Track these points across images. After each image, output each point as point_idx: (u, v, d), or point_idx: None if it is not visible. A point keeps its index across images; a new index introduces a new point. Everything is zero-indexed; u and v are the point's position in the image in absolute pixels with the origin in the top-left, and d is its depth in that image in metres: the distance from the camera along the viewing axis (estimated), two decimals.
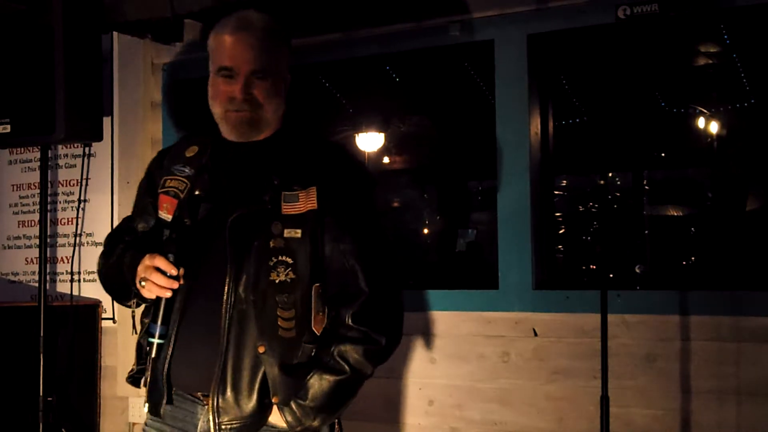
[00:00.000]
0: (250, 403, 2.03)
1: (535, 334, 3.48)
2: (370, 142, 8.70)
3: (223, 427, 2.02)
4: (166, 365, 2.08)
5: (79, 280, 4.29)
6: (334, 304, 2.10)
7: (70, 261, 4.25)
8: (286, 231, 2.06)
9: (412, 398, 3.71)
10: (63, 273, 4.34)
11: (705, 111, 8.30)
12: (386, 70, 6.06)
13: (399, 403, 3.73)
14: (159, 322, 2.06)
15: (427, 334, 3.69)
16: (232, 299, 2.04)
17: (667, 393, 3.25)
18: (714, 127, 8.52)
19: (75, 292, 4.25)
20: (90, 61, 3.62)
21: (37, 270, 3.89)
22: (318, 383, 2.04)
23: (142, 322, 2.22)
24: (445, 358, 3.65)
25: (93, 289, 4.24)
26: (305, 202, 2.08)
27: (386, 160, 9.60)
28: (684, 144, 8.65)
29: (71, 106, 3.48)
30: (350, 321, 2.07)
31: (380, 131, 8.70)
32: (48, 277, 3.97)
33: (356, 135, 8.60)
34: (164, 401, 2.10)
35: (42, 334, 3.66)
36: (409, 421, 3.70)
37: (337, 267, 2.10)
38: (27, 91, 3.53)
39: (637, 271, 3.72)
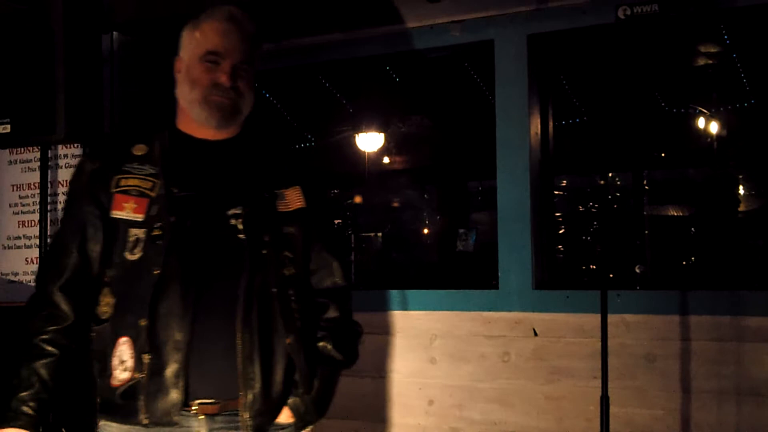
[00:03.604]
0: (275, 396, 2.05)
1: (535, 334, 3.48)
2: (370, 142, 8.69)
3: (250, 422, 2.01)
4: (182, 370, 1.98)
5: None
6: (314, 296, 2.19)
7: None
8: (284, 228, 2.11)
9: (412, 398, 3.71)
10: None
11: (705, 111, 8.30)
12: (386, 70, 6.06)
13: (399, 403, 3.73)
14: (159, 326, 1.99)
15: (427, 334, 3.69)
16: (252, 294, 2.02)
17: (667, 393, 3.25)
18: (714, 128, 8.51)
19: None
20: (90, 60, 3.61)
21: (36, 270, 3.88)
22: (321, 376, 2.13)
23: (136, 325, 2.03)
24: (445, 358, 3.65)
25: None
26: (292, 200, 2.14)
27: (386, 160, 9.59)
28: (684, 144, 8.65)
29: (71, 107, 3.48)
30: (338, 313, 2.20)
31: (380, 131, 8.69)
32: None
33: (356, 135, 8.60)
34: (179, 408, 1.99)
35: None
36: (409, 421, 3.70)
37: (317, 263, 2.21)
38: (27, 91, 3.52)
39: (637, 271, 3.73)
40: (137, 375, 1.99)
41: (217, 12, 2.15)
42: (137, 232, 2.04)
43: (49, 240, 4.00)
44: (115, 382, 2.02)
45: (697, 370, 3.22)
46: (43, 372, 2.08)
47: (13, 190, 4.57)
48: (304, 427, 2.14)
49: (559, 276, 3.84)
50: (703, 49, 6.34)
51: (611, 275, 3.26)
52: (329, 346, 2.16)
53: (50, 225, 4.23)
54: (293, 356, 2.06)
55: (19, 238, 4.52)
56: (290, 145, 2.01)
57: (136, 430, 2.02)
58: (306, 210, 2.15)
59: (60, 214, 4.39)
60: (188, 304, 1.99)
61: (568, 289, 3.53)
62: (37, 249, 3.82)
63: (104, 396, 2.06)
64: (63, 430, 3.76)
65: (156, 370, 1.98)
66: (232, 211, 2.06)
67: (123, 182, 2.08)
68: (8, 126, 3.55)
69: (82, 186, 2.14)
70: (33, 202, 4.41)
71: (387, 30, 3.81)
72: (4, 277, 4.52)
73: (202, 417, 2.01)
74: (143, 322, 1.99)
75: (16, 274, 4.51)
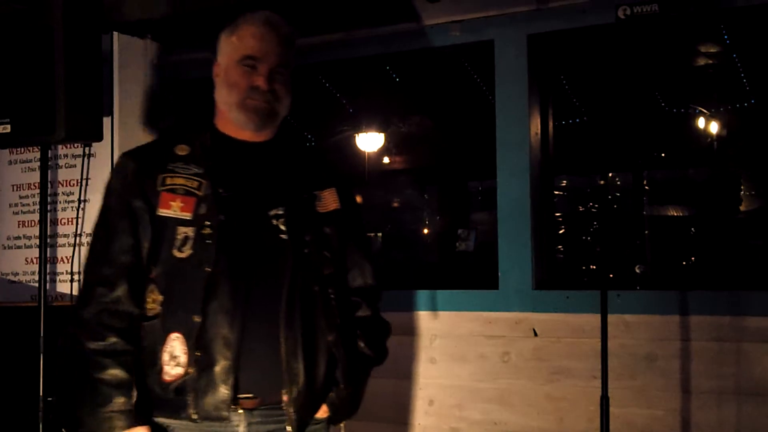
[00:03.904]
0: (318, 391, 2.12)
1: (536, 334, 3.48)
2: (370, 142, 8.70)
3: (294, 417, 2.07)
4: (233, 367, 2.02)
5: (79, 280, 4.29)
6: (350, 295, 2.27)
7: (70, 261, 4.24)
8: (322, 228, 2.19)
9: (412, 398, 3.71)
10: (63, 273, 4.34)
11: (705, 111, 8.30)
12: (386, 70, 6.06)
13: (399, 403, 3.72)
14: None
15: (427, 334, 3.69)
16: (295, 293, 2.09)
17: (667, 393, 3.25)
18: (714, 128, 8.52)
19: (75, 292, 4.24)
20: (90, 61, 3.61)
21: (37, 270, 3.88)
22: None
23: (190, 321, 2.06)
24: (445, 358, 3.65)
25: None
26: (329, 201, 2.22)
27: (386, 160, 9.61)
28: (684, 144, 8.65)
29: (71, 106, 3.48)
30: (370, 312, 2.30)
31: (380, 131, 8.70)
32: (48, 277, 3.96)
33: (356, 135, 8.60)
34: (230, 404, 2.03)
35: (42, 335, 3.66)
36: (409, 421, 3.70)
37: (350, 262, 2.28)
38: (27, 91, 3.52)
39: (637, 271, 3.72)
40: (190, 370, 2.03)
41: (254, 17, 2.20)
42: (186, 230, 2.08)
43: (48, 240, 4.00)
44: (166, 378, 2.05)
45: (697, 370, 3.21)
46: (129, 367, 2.06)
47: (13, 190, 4.56)
48: (338, 422, 2.22)
49: (559, 276, 3.83)
50: (703, 49, 6.34)
51: (611, 275, 3.25)
52: (362, 344, 2.26)
53: (50, 225, 4.23)
54: (335, 352, 2.14)
55: (19, 238, 4.52)
56: (319, 147, 2.08)
57: (184, 425, 2.06)
58: (341, 211, 2.24)
59: (61, 214, 4.40)
60: (237, 302, 2.04)
61: (568, 289, 3.52)
62: (37, 249, 3.81)
63: (153, 391, 2.08)
64: (63, 430, 3.75)
65: (205, 366, 2.02)
66: (273, 212, 2.12)
67: (169, 181, 2.12)
68: (8, 126, 3.55)
69: (127, 183, 2.15)
70: (33, 203, 4.41)
71: (387, 30, 3.81)
72: (4, 277, 4.52)
73: (242, 411, 2.06)
74: (197, 319, 2.03)
75: (16, 274, 4.51)
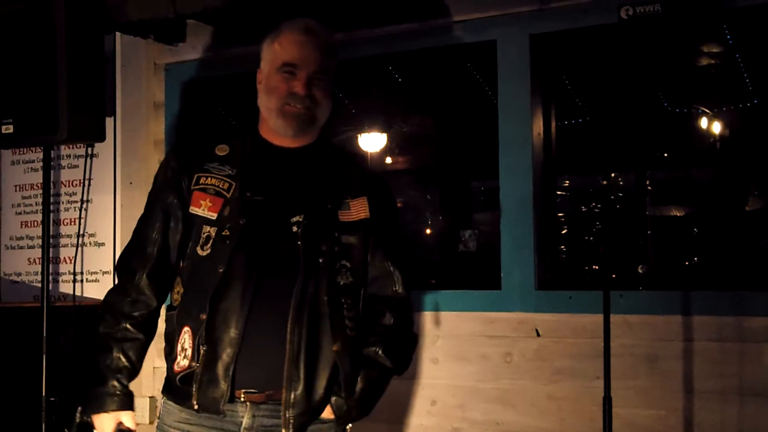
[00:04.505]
0: (317, 397, 2.15)
1: (538, 335, 3.48)
2: (372, 142, 8.68)
3: (292, 420, 2.12)
4: (232, 364, 2.11)
5: (81, 281, 4.29)
6: (372, 304, 2.28)
7: (72, 261, 4.25)
8: (344, 237, 2.21)
9: (414, 398, 3.71)
10: (66, 273, 4.34)
11: (708, 111, 8.29)
12: (389, 70, 6.05)
13: (401, 403, 3.72)
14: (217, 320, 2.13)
15: (429, 335, 3.69)
16: (304, 300, 2.13)
17: (669, 393, 3.25)
18: (717, 128, 8.50)
19: (77, 293, 4.24)
20: (93, 61, 3.62)
21: (39, 270, 3.89)
22: (363, 378, 2.22)
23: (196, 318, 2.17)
24: (447, 359, 3.65)
25: (95, 290, 4.24)
26: (357, 210, 2.25)
27: (389, 160, 9.59)
28: (687, 144, 8.64)
29: (74, 107, 3.49)
30: (393, 321, 2.29)
31: (382, 131, 8.69)
32: (51, 278, 3.97)
33: (359, 135, 8.59)
34: (226, 398, 2.13)
35: (45, 335, 3.66)
36: (411, 421, 3.70)
37: (376, 272, 2.29)
38: (30, 91, 3.53)
39: (640, 271, 3.71)
40: (194, 364, 2.14)
41: (295, 24, 2.28)
42: (209, 230, 2.18)
43: (51, 240, 4.01)
44: (176, 368, 2.18)
45: (699, 371, 3.21)
46: (131, 353, 2.22)
47: (16, 191, 4.58)
48: (345, 424, 2.24)
49: (561, 276, 3.83)
50: (705, 49, 6.33)
51: (614, 276, 3.24)
52: (380, 352, 2.26)
53: (53, 225, 4.24)
54: (339, 362, 2.16)
55: (21, 238, 4.53)
56: (358, 156, 2.12)
57: (188, 413, 2.18)
58: (369, 221, 2.26)
59: (63, 214, 4.40)
60: (245, 303, 2.12)
61: (571, 289, 3.52)
62: (40, 249, 3.82)
63: (168, 376, 2.24)
64: (65, 430, 3.76)
65: (210, 361, 2.12)
66: (294, 219, 2.17)
67: (203, 180, 2.22)
68: (11, 126, 3.56)
69: (167, 179, 2.27)
70: (36, 203, 4.42)
71: (389, 30, 3.81)
72: (6, 277, 4.53)
73: (248, 403, 2.15)
74: (203, 317, 2.13)
75: (19, 274, 4.52)
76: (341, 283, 2.19)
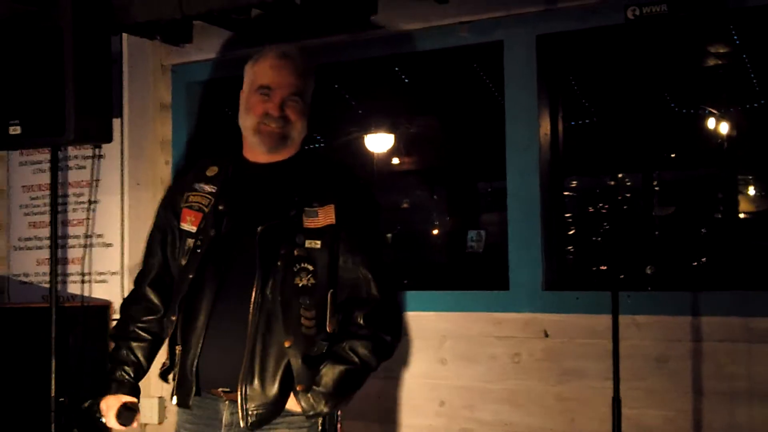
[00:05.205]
0: (273, 391, 2.28)
1: (546, 335, 3.48)
2: (379, 143, 8.68)
3: (250, 412, 2.27)
4: (195, 361, 2.32)
5: (89, 281, 4.30)
6: (346, 307, 2.37)
7: (80, 262, 4.26)
8: (307, 242, 2.34)
9: (423, 399, 3.71)
10: (74, 274, 4.35)
11: (715, 112, 8.27)
12: (395, 71, 6.06)
13: (410, 403, 3.72)
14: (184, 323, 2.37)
15: (437, 335, 3.68)
16: (260, 300, 2.28)
17: (678, 394, 3.24)
18: (724, 128, 8.48)
19: (86, 293, 4.26)
20: (99, 62, 3.62)
21: (48, 271, 3.90)
22: (330, 372, 2.30)
23: (169, 320, 2.43)
24: (455, 359, 3.64)
25: (103, 290, 4.25)
26: (324, 217, 2.36)
27: (395, 161, 9.59)
28: (694, 145, 8.62)
29: (81, 108, 3.49)
30: (362, 321, 2.35)
31: (389, 132, 8.68)
32: (59, 278, 3.98)
33: (365, 136, 8.59)
34: (193, 393, 2.33)
35: (53, 335, 3.67)
36: (420, 421, 3.70)
37: (350, 275, 2.37)
38: (37, 92, 3.53)
39: (648, 272, 3.70)
40: (166, 362, 2.44)
41: (273, 50, 2.46)
42: (190, 242, 2.42)
43: (59, 241, 4.02)
44: (163, 367, 2.47)
45: (708, 371, 3.21)
46: (138, 352, 2.49)
47: (23, 192, 4.58)
48: (315, 416, 2.32)
49: (569, 277, 3.82)
50: (712, 50, 6.32)
51: (622, 276, 3.24)
52: (346, 348, 2.33)
53: (60, 226, 4.24)
54: (290, 358, 2.28)
55: (30, 239, 4.54)
56: (340, 165, 2.17)
57: (182, 410, 2.42)
58: (335, 226, 2.35)
59: (71, 215, 4.41)
60: (208, 305, 2.33)
61: (579, 290, 3.52)
62: (48, 250, 3.82)
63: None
64: (75, 430, 3.77)
65: (182, 362, 2.35)
66: (260, 227, 2.32)
67: (191, 198, 2.47)
68: (18, 128, 3.56)
69: (166, 198, 2.58)
70: (44, 204, 4.43)
71: (395, 31, 3.81)
72: (15, 278, 4.54)
73: (227, 402, 2.32)
74: (173, 318, 2.39)
75: (28, 275, 4.53)
76: (300, 285, 2.31)
